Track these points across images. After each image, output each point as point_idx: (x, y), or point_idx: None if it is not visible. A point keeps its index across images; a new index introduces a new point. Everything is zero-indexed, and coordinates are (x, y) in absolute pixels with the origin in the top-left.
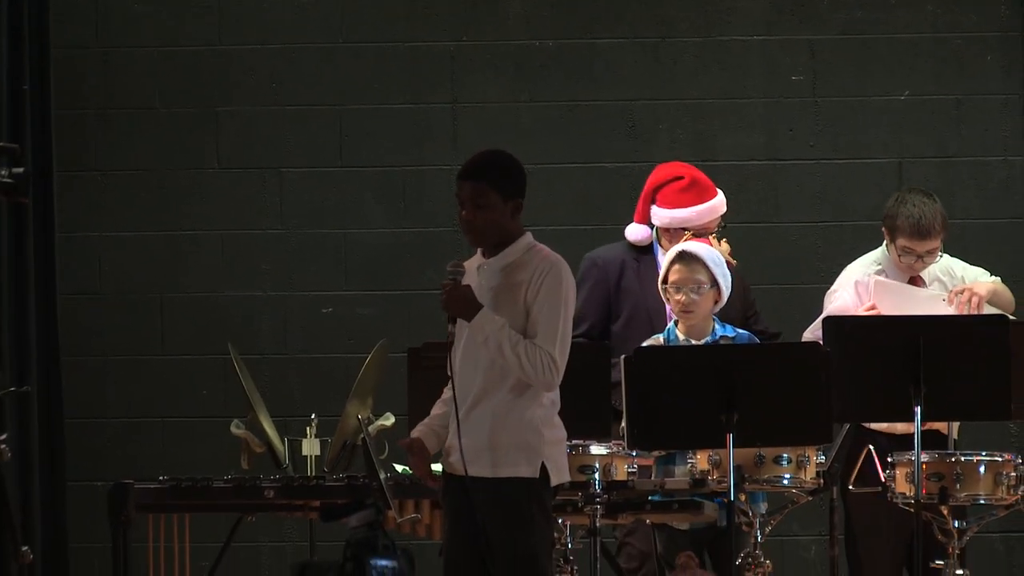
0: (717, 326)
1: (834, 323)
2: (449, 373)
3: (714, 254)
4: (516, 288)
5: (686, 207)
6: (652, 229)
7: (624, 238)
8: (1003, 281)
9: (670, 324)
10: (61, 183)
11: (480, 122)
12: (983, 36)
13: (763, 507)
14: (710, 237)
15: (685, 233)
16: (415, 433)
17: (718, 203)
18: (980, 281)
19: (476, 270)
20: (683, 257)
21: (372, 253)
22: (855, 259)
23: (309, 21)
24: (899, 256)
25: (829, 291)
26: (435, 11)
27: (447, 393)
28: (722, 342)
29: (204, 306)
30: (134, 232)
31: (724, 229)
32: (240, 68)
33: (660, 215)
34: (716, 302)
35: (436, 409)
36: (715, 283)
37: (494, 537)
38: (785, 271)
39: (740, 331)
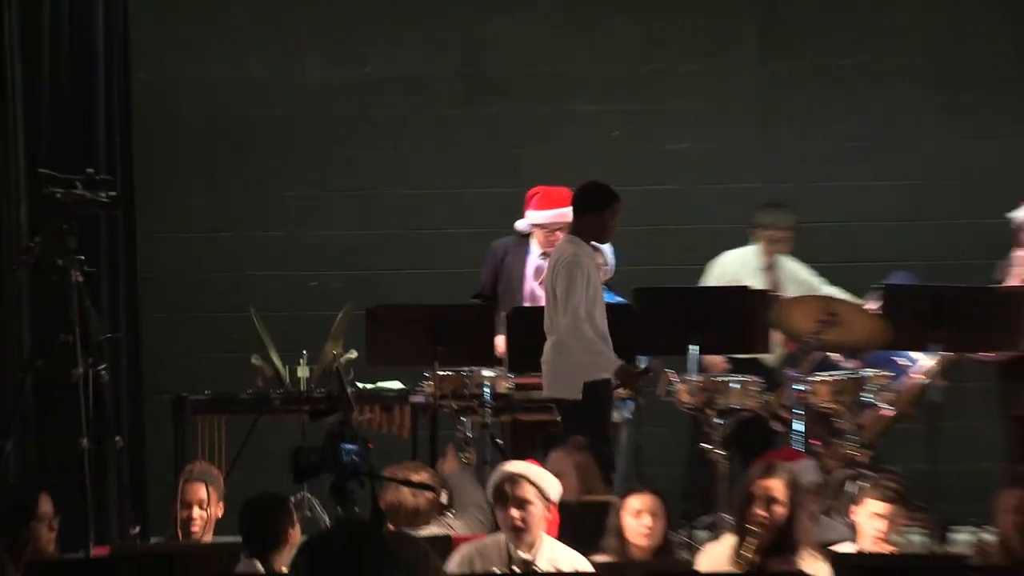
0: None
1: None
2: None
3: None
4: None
5: (535, 210)
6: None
7: (516, 231)
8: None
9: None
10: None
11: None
12: None
13: (626, 413)
14: (558, 233)
15: (552, 232)
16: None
17: (561, 211)
18: None
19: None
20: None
21: (345, 250)
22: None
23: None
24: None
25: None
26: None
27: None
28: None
29: (233, 288)
30: (187, 233)
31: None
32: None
33: (528, 215)
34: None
35: None
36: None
37: None
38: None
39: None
